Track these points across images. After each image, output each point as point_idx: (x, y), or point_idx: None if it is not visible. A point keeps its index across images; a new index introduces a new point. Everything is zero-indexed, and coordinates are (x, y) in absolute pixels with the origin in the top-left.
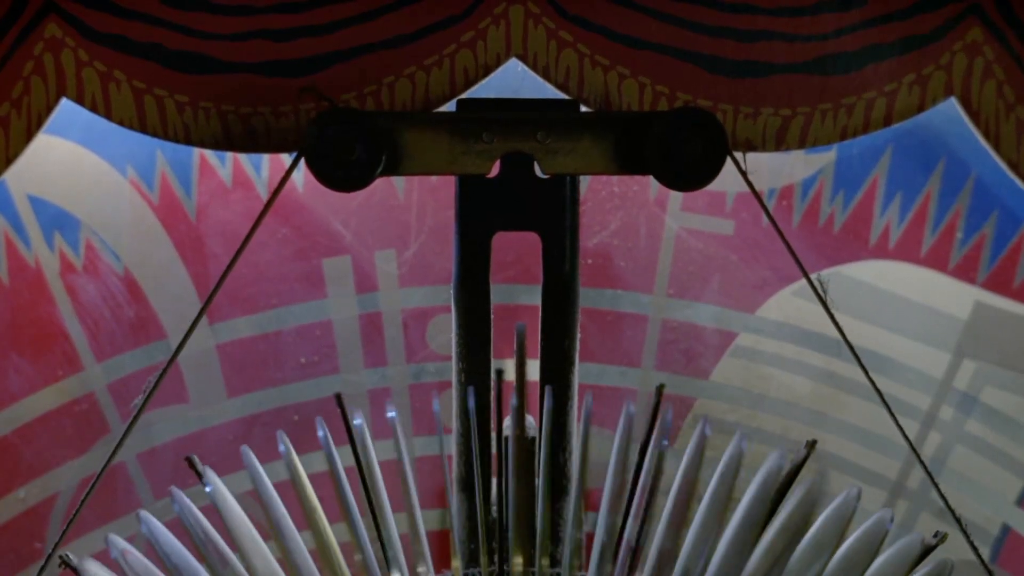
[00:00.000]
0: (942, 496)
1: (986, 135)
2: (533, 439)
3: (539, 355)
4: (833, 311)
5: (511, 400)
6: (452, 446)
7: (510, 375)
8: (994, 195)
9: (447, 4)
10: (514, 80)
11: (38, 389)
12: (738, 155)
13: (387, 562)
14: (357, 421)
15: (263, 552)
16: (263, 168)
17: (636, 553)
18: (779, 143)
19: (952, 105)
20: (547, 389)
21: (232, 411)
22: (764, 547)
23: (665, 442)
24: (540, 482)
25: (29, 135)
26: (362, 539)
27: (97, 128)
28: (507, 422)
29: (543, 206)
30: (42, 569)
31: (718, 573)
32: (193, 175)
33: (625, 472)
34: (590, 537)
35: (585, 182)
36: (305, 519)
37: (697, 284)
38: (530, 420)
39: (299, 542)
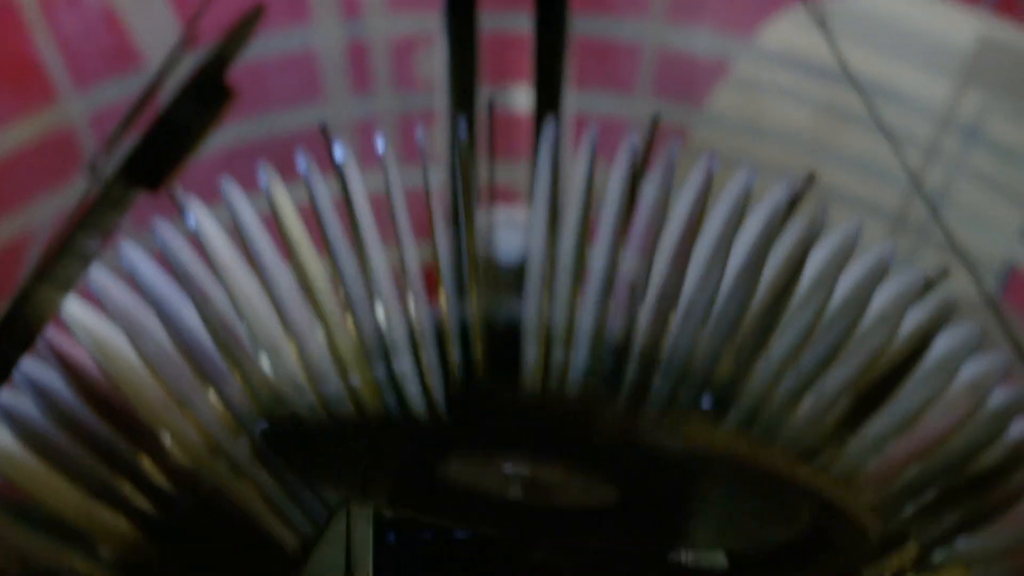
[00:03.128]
0: (943, 229)
1: None
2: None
3: (532, 83)
4: (834, 40)
5: None
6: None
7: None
8: None
9: None
10: None
11: (9, 122)
12: None
13: (371, 295)
14: (339, 152)
15: (250, 285)
16: None
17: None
18: None
19: None
20: (547, 119)
21: (212, 142)
22: (764, 284)
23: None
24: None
25: None
26: (345, 271)
27: None
28: None
29: None
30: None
31: (721, 312)
32: None
33: (628, 206)
34: None
35: None
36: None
37: (695, 8)
38: None
39: (284, 272)
